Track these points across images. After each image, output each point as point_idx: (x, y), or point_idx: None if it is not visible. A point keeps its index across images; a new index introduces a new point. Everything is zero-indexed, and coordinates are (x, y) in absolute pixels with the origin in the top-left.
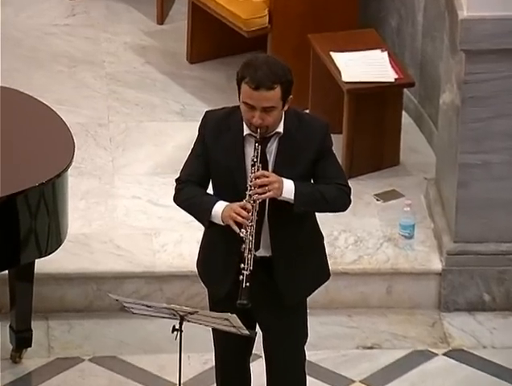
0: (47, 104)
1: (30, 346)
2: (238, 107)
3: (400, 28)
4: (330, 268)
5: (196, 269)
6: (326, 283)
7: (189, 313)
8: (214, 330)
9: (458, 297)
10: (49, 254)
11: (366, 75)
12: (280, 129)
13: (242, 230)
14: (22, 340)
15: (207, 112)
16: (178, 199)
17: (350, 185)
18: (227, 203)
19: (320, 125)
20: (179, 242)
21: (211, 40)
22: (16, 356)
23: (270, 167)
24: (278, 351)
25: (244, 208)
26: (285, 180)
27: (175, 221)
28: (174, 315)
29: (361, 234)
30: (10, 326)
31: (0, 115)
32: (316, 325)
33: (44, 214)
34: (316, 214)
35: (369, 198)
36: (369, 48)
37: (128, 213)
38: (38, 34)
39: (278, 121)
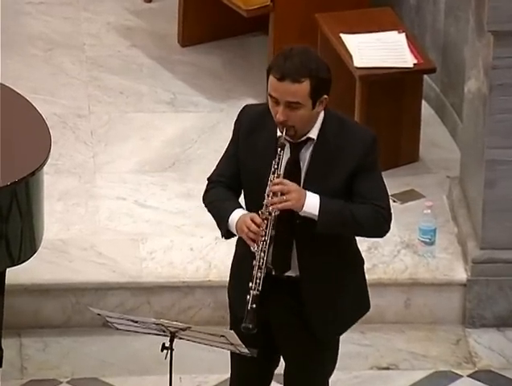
0: (19, 92)
1: (0, 366)
2: None
3: (420, 6)
4: None
5: (188, 280)
6: None
7: (181, 329)
8: (232, 354)
9: (485, 312)
10: (22, 262)
11: (381, 60)
12: (314, 134)
13: (253, 244)
14: None
15: (246, 106)
16: (205, 201)
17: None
18: (244, 212)
19: (366, 135)
20: (169, 249)
21: (205, 21)
22: None
23: (303, 177)
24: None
25: (254, 221)
26: (310, 194)
27: (164, 225)
28: (163, 331)
29: (376, 240)
30: None
31: None
32: None
33: (16, 217)
34: None
35: None
36: (384, 29)
37: (111, 216)
38: (10, 13)
39: (308, 122)
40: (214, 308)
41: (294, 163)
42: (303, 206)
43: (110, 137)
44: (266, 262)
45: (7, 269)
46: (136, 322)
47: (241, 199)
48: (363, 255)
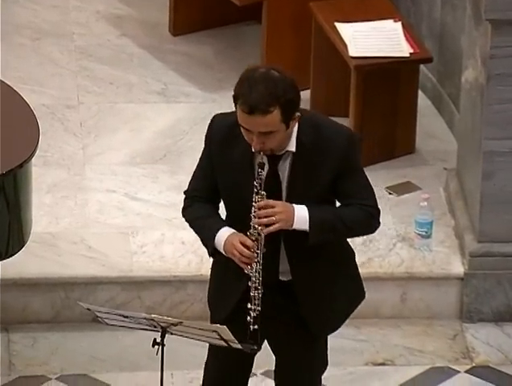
0: (7, 82)
1: None
2: None
3: None
4: None
5: (179, 274)
6: None
7: (172, 324)
8: (211, 348)
9: (483, 306)
10: (10, 256)
11: (377, 50)
12: (292, 147)
13: (247, 267)
14: None
15: (216, 116)
16: (184, 217)
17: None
18: (230, 232)
19: (343, 137)
20: (160, 242)
21: (197, 9)
22: None
23: (284, 189)
24: (291, 382)
25: (245, 245)
26: (297, 208)
27: (155, 218)
28: (155, 327)
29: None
30: None
31: None
32: None
33: (4, 210)
34: None
35: (380, 191)
36: (380, 18)
37: (101, 209)
38: None
39: (284, 141)
40: (206, 303)
41: (273, 176)
42: (292, 224)
43: (100, 128)
44: (261, 282)
45: None
46: (126, 317)
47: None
48: (358, 249)
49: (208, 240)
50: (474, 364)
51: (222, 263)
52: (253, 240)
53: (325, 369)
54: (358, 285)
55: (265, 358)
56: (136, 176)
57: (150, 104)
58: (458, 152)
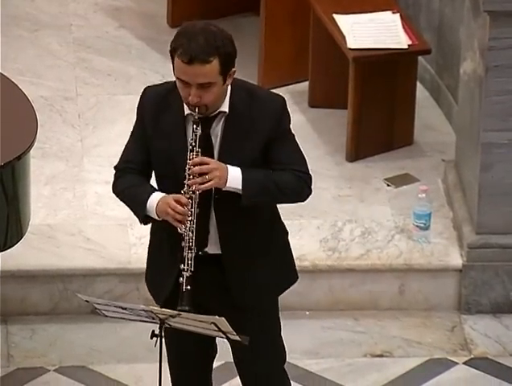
0: (5, 74)
1: None
2: None
3: None
4: (333, 263)
5: None
6: (329, 281)
7: (170, 316)
8: (169, 347)
9: (481, 298)
10: (8, 248)
11: (375, 41)
12: (225, 107)
13: (181, 226)
14: None
15: (146, 88)
16: (114, 191)
17: (355, 168)
18: (162, 195)
19: (275, 101)
20: None
21: (195, 1)
22: None
23: (216, 152)
24: (250, 373)
25: (179, 202)
26: (231, 168)
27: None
28: (153, 318)
29: (370, 225)
30: None
31: None
32: (318, 330)
33: (2, 202)
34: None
35: (379, 183)
36: (378, 10)
37: (100, 201)
38: None
39: (220, 98)
40: None
41: (205, 139)
42: (226, 182)
43: (98, 119)
44: (194, 242)
45: None
46: (125, 308)
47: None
48: (356, 241)
49: (139, 206)
50: (472, 356)
51: (156, 245)
52: (187, 199)
53: (283, 361)
54: (289, 266)
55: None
56: None
57: None
58: (456, 144)
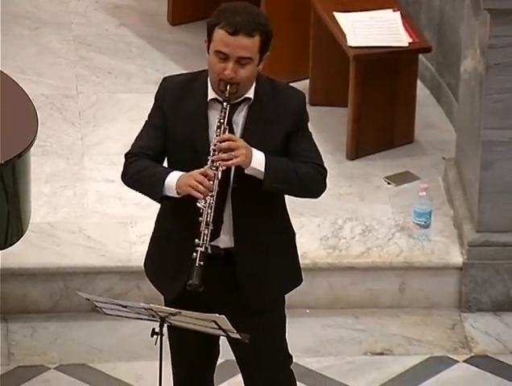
0: (5, 72)
1: None
2: (202, 71)
3: None
4: (334, 261)
5: None
6: (329, 279)
7: (171, 314)
8: (173, 347)
9: (482, 296)
10: (9, 246)
11: (376, 39)
12: (251, 94)
13: (201, 197)
14: None
15: (166, 77)
16: (127, 175)
17: (356, 166)
18: (183, 173)
19: (298, 95)
20: None
21: None
22: None
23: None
24: (256, 375)
25: (205, 175)
26: (255, 150)
27: (154, 208)
28: (153, 316)
29: (370, 223)
30: None
31: None
32: (318, 328)
33: (3, 200)
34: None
35: (379, 181)
36: (378, 8)
37: (100, 199)
38: None
39: (251, 80)
40: None
41: (228, 125)
42: (250, 162)
43: (99, 117)
44: (212, 218)
45: None
46: (125, 306)
47: None
48: (357, 239)
49: (156, 185)
50: (473, 354)
51: (163, 238)
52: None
53: (291, 362)
54: (296, 269)
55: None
56: None
57: (148, 93)
58: (457, 142)
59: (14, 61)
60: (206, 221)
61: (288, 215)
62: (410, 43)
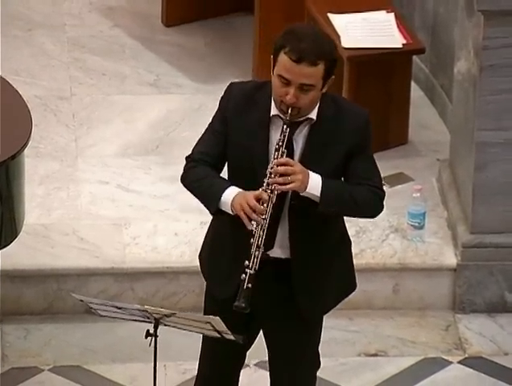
0: None
1: None
2: (267, 82)
3: None
4: None
5: (172, 265)
6: None
7: (165, 315)
8: (205, 337)
9: (476, 297)
10: (3, 248)
11: (369, 41)
12: (313, 115)
13: (253, 222)
14: None
15: (232, 83)
16: (186, 180)
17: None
18: (240, 190)
19: (361, 115)
20: (152, 234)
21: (189, 0)
22: None
23: (297, 158)
24: (283, 375)
25: (259, 200)
26: (312, 174)
27: (148, 210)
28: (148, 318)
29: (364, 224)
30: None
31: None
32: None
33: None
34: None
35: None
36: (372, 9)
37: (94, 200)
38: None
39: (313, 104)
40: (199, 294)
41: (288, 144)
42: (306, 188)
43: (92, 119)
44: (264, 241)
45: None
46: (120, 308)
47: None
48: (351, 240)
49: (214, 195)
50: (467, 355)
51: (222, 229)
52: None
53: (318, 368)
54: (351, 276)
55: (257, 349)
56: (129, 167)
57: (142, 95)
58: (451, 143)
59: (7, 63)
60: (257, 244)
61: (345, 224)
62: (404, 45)
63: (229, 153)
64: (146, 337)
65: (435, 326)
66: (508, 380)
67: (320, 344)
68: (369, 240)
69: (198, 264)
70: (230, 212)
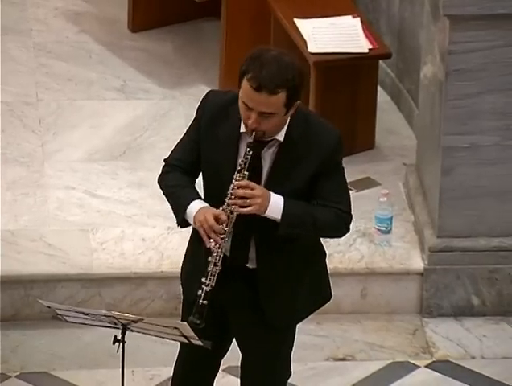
0: None
1: None
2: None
3: None
4: None
5: (139, 271)
6: None
7: (133, 321)
8: (181, 345)
9: (443, 301)
10: None
11: (336, 46)
12: (280, 136)
13: (211, 240)
14: None
15: (210, 91)
16: (160, 183)
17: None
18: (204, 205)
19: (330, 135)
20: (120, 239)
21: (156, 5)
22: None
23: (265, 175)
24: (253, 381)
25: (217, 219)
26: (274, 197)
27: (115, 215)
28: (115, 324)
29: None
30: None
31: None
32: None
33: None
34: None
35: None
36: (338, 14)
37: (61, 206)
38: None
39: (278, 127)
40: (167, 299)
41: (256, 160)
42: (265, 210)
43: (59, 125)
44: (221, 259)
45: None
46: (87, 314)
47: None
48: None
49: (180, 208)
50: (434, 359)
51: (196, 244)
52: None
53: (289, 377)
54: (324, 287)
55: (228, 354)
56: (96, 173)
57: (109, 100)
58: (417, 147)
59: None
60: (214, 262)
61: (319, 238)
62: (370, 50)
63: (202, 163)
64: (113, 343)
65: (402, 330)
66: (474, 384)
67: None
68: (337, 244)
69: (165, 269)
70: (194, 226)
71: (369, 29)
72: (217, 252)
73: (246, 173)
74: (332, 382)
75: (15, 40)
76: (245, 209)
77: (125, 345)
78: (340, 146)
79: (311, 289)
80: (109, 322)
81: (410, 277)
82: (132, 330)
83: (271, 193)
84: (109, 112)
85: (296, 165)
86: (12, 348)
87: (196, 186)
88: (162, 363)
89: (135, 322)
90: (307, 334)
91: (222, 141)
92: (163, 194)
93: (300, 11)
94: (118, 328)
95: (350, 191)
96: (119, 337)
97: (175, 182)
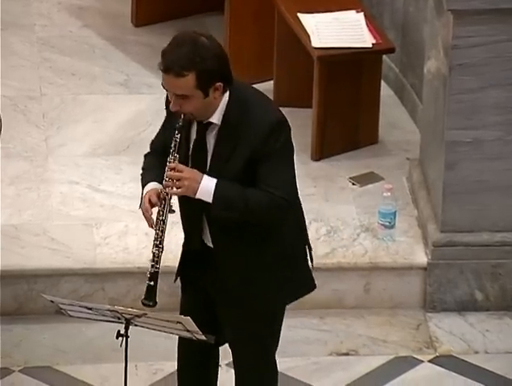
0: None
1: None
2: None
3: None
4: None
5: (143, 265)
6: None
7: (136, 315)
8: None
9: (446, 296)
10: None
11: (339, 40)
12: (215, 119)
13: (149, 222)
14: None
15: None
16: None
17: (320, 167)
18: (154, 187)
19: (266, 121)
20: (123, 234)
21: (160, 0)
22: None
23: (209, 159)
24: (238, 359)
25: (149, 200)
26: (206, 179)
27: (119, 210)
28: (118, 318)
29: (335, 223)
30: None
31: None
32: (284, 328)
33: None
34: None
35: (344, 182)
36: (342, 9)
37: (64, 201)
38: None
39: (204, 110)
40: (170, 294)
41: (200, 144)
42: (196, 192)
43: (63, 119)
44: (162, 240)
45: None
46: (90, 308)
47: None
48: (322, 239)
49: (142, 188)
50: (437, 354)
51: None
52: (162, 198)
53: (275, 348)
54: (300, 273)
55: (228, 349)
56: (99, 168)
57: (112, 95)
58: (421, 142)
59: None
60: (156, 244)
61: (296, 227)
62: (373, 44)
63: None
64: (116, 337)
65: (405, 324)
66: (478, 379)
67: (292, 343)
68: (340, 239)
69: (168, 264)
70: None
71: (372, 23)
72: (158, 234)
73: (176, 156)
74: (335, 377)
75: (19, 35)
76: (174, 191)
77: (129, 339)
78: (277, 133)
79: (280, 270)
80: (112, 317)
81: (414, 271)
82: (135, 325)
83: (204, 176)
84: (112, 106)
85: (233, 148)
86: (15, 343)
87: None
88: (165, 357)
89: (139, 316)
90: (311, 329)
91: (173, 128)
92: None
93: (304, 6)
94: (122, 323)
95: (354, 186)
96: (122, 331)
97: (145, 165)
